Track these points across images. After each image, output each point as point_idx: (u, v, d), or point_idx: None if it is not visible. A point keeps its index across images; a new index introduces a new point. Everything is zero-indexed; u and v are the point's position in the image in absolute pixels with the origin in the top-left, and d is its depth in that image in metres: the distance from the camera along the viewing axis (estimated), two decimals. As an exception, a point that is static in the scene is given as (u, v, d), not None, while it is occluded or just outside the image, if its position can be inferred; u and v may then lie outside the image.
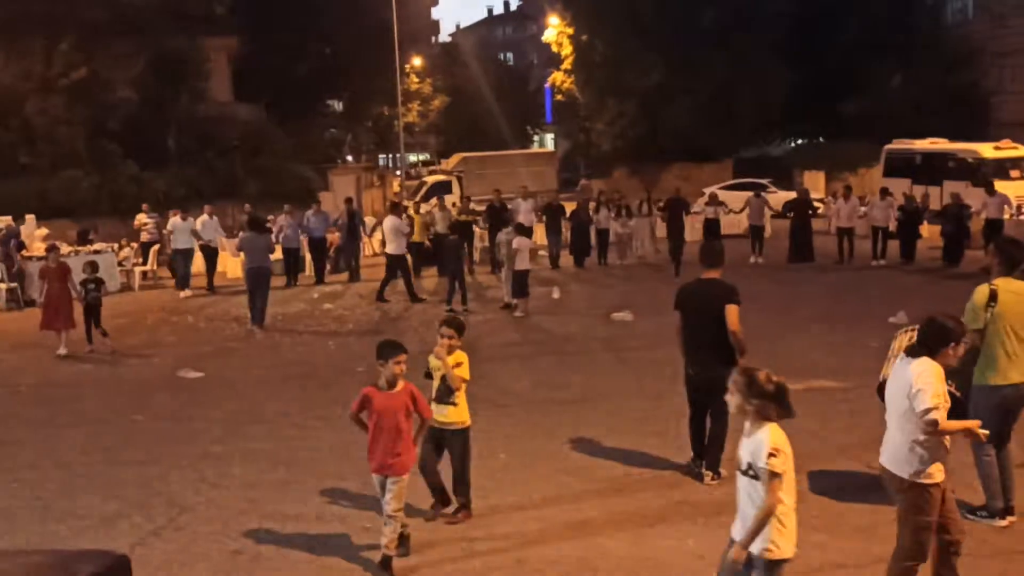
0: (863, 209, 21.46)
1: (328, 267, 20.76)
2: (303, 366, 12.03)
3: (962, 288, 6.59)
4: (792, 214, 20.98)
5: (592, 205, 22.04)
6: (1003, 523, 6.13)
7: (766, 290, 15.92)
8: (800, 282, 17.83)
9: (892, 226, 19.94)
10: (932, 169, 25.56)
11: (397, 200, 23.26)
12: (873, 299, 15.42)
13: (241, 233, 16.31)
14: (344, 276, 20.15)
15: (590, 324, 14.24)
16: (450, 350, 6.32)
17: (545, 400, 9.88)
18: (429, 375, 6.48)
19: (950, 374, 6.19)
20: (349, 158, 47.42)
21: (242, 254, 15.83)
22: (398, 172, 43.62)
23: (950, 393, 6.21)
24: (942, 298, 15.12)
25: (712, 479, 7.02)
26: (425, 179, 35.59)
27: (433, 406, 6.28)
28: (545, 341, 13.24)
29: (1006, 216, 19.18)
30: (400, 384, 5.79)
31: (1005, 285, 6.04)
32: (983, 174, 24.04)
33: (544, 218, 22.11)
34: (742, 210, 21.71)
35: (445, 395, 6.35)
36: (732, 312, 6.83)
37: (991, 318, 5.94)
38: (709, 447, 7.09)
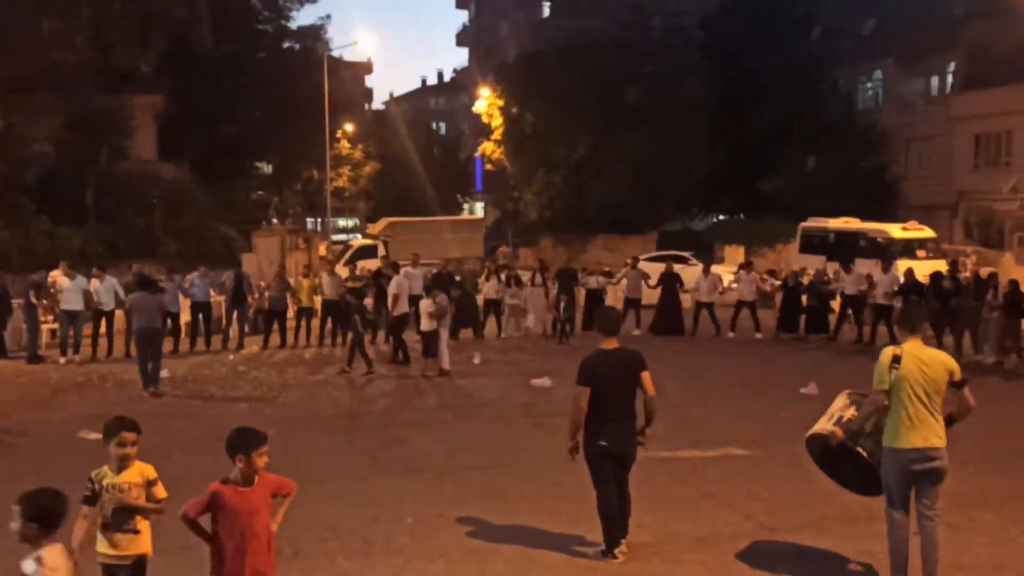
0: (729, 284, 21.77)
1: (247, 328, 20.34)
2: (210, 430, 11.64)
3: (860, 359, 6.72)
4: (661, 287, 20.77)
5: (484, 274, 21.58)
6: None
7: (664, 360, 16.09)
8: (692, 352, 17.98)
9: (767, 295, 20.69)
10: (844, 247, 26.40)
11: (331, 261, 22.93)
12: (781, 370, 15.74)
13: (130, 294, 15.24)
14: (260, 339, 19.65)
15: (509, 389, 14.18)
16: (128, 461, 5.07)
17: (460, 465, 9.72)
18: (90, 499, 5.04)
19: (863, 438, 6.34)
20: (275, 220, 46.98)
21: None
22: (354, 235, 43.35)
23: (863, 459, 6.34)
24: (845, 369, 15.62)
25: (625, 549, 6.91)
26: (351, 243, 35.43)
27: (101, 537, 5.03)
28: (464, 406, 13.12)
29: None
30: (256, 479, 4.92)
31: (910, 349, 6.13)
32: (890, 253, 24.99)
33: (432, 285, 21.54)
34: (618, 281, 21.57)
35: (124, 520, 5.03)
36: (649, 379, 6.84)
37: (895, 380, 6.05)
38: (624, 520, 6.96)
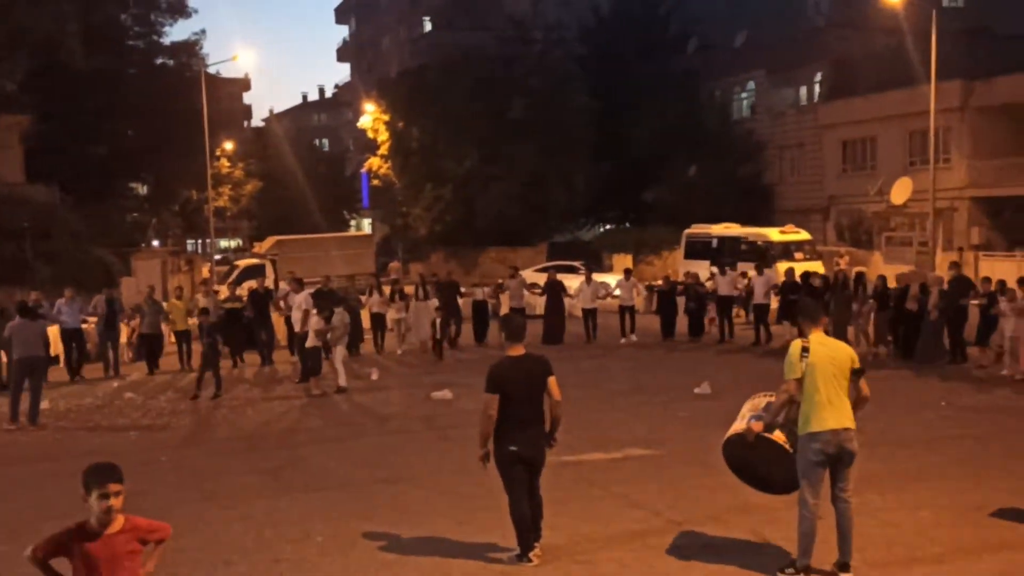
0: (616, 291, 22.35)
1: (130, 354, 19.57)
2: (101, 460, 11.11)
3: (746, 357, 6.96)
4: (547, 297, 21.08)
5: (368, 289, 21.39)
6: None
7: (560, 366, 16.36)
8: (586, 358, 18.24)
9: (639, 304, 21.36)
10: (727, 252, 27.39)
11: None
12: (673, 373, 16.16)
13: (10, 322, 14.50)
14: (141, 365, 18.87)
15: (410, 403, 14.08)
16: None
17: (366, 481, 9.58)
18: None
19: (777, 429, 6.58)
20: (155, 242, 45.36)
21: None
22: (238, 256, 42.10)
23: (782, 449, 6.58)
24: (728, 367, 16.19)
25: (538, 552, 6.95)
26: (237, 263, 34.50)
27: None
28: (366, 422, 12.95)
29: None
30: (118, 522, 4.26)
31: (816, 338, 6.48)
32: (771, 256, 26.07)
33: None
34: (503, 291, 21.81)
35: None
36: (555, 384, 6.92)
37: (807, 368, 6.33)
38: (536, 524, 7.00)
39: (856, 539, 6.60)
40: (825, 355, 6.36)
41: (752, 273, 20.59)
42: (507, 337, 7.14)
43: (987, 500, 8.20)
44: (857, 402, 6.48)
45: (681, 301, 21.93)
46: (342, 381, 15.14)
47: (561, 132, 36.69)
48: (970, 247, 30.41)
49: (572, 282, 23.18)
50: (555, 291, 20.98)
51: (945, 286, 16.46)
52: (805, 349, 6.38)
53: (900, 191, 30.85)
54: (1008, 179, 30.25)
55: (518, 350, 6.99)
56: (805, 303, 7.22)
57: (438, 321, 18.98)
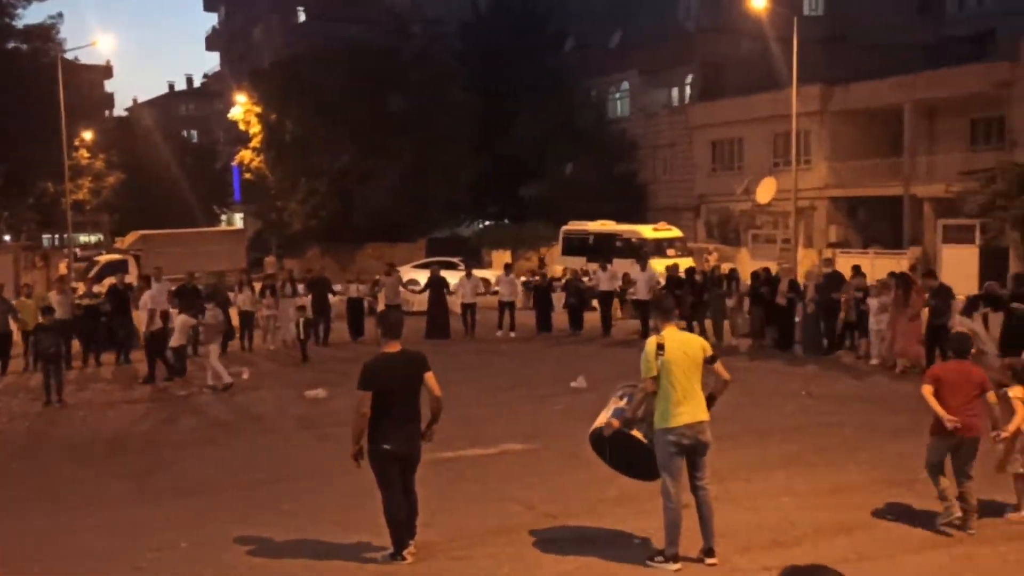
0: (496, 287, 22.61)
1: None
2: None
3: (626, 351, 7.11)
4: (429, 293, 21.10)
5: (237, 286, 20.76)
6: (675, 567, 6.55)
7: (439, 362, 16.34)
8: (464, 353, 18.27)
9: (519, 301, 21.69)
10: (603, 248, 27.92)
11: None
12: (551, 367, 16.36)
13: None
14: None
15: (283, 403, 13.74)
16: None
17: (237, 484, 9.28)
18: None
19: (637, 424, 6.73)
20: (7, 237, 42.76)
21: None
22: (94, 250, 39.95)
23: (640, 443, 6.73)
24: (604, 361, 16.52)
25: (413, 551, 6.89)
26: (97, 259, 32.88)
27: None
28: (236, 423, 12.55)
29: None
30: None
31: (669, 335, 6.66)
32: (643, 253, 26.74)
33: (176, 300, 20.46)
34: (380, 288, 21.67)
35: None
36: (433, 379, 6.87)
37: (663, 366, 6.47)
38: (411, 522, 6.93)
39: (722, 526, 6.83)
40: (679, 351, 6.54)
41: (635, 269, 21.17)
42: (383, 333, 7.07)
43: (842, 484, 8.64)
44: (717, 389, 6.72)
45: (556, 297, 22.33)
46: (225, 378, 14.66)
47: (440, 127, 36.55)
48: (828, 244, 32.00)
49: (451, 278, 23.18)
50: (438, 287, 20.99)
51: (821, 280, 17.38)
52: (660, 347, 6.54)
53: (765, 190, 32.14)
54: (863, 180, 31.96)
55: (394, 346, 6.92)
56: (661, 299, 7.40)
57: (301, 321, 18.35)
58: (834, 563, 2.93)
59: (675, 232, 29.46)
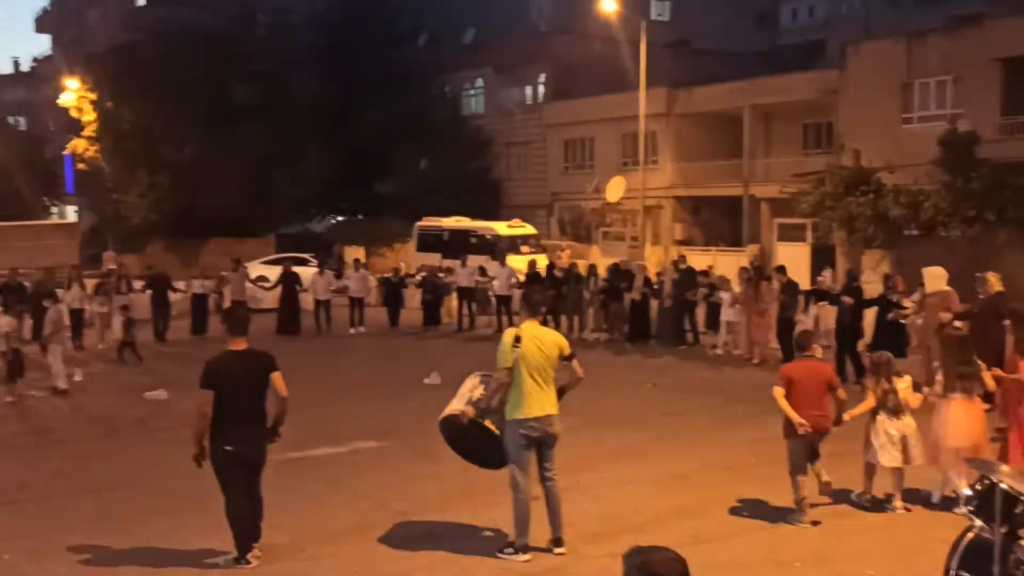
0: (343, 283, 22.36)
1: None
2: None
3: (480, 346, 7.14)
4: (281, 289, 20.68)
5: (67, 283, 19.38)
6: (525, 558, 6.63)
7: (290, 360, 16.00)
8: (317, 351, 18.03)
9: (370, 297, 21.73)
10: (458, 245, 27.96)
11: None
12: (405, 363, 16.28)
13: None
14: None
15: (121, 405, 13.06)
16: None
17: (68, 491, 8.75)
18: None
19: (490, 414, 6.76)
20: None
21: None
22: None
23: (491, 433, 6.77)
24: (460, 356, 16.57)
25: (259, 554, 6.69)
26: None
27: None
28: (68, 427, 11.84)
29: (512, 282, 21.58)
30: None
31: (528, 329, 6.74)
32: (500, 250, 26.95)
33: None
34: (226, 284, 21.05)
35: None
36: (280, 379, 6.68)
37: (517, 358, 6.54)
38: (255, 524, 6.72)
39: (570, 515, 6.97)
40: (534, 346, 6.62)
41: (494, 265, 21.36)
42: (229, 330, 6.87)
43: (684, 471, 8.99)
44: (569, 383, 6.86)
45: (409, 293, 22.24)
46: (60, 383, 13.77)
47: (290, 120, 35.64)
48: (674, 242, 33.22)
49: (303, 274, 22.67)
50: (290, 283, 20.57)
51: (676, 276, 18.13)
52: (518, 339, 6.62)
53: (614, 189, 33.01)
54: (706, 180, 33.33)
55: (240, 344, 6.72)
56: (530, 294, 7.47)
57: (123, 321, 17.17)
58: (674, 546, 3.03)
59: (529, 229, 29.85)
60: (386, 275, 22.53)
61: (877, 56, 27.98)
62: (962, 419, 7.52)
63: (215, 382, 6.47)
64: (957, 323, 10.06)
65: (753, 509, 7.76)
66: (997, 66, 25.19)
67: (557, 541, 6.75)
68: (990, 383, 7.81)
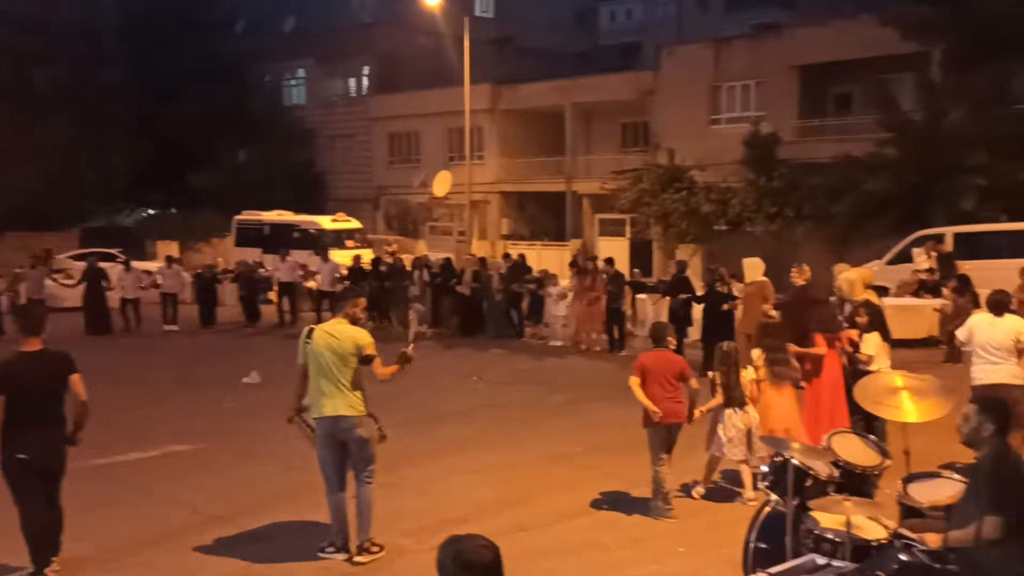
0: (155, 278, 21.39)
1: None
2: None
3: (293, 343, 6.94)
4: (86, 286, 19.61)
5: None
6: (343, 556, 6.50)
7: (95, 361, 15.15)
8: (127, 350, 17.23)
9: (185, 294, 21.02)
10: (279, 239, 27.17)
11: None
12: (222, 362, 15.70)
13: None
14: None
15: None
16: None
17: None
18: None
19: (307, 412, 6.61)
20: None
21: None
22: None
23: (307, 429, 6.62)
24: (281, 354, 16.14)
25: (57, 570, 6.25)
26: None
27: None
28: None
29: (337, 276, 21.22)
30: None
31: (325, 326, 6.55)
32: (323, 244, 26.43)
33: None
34: (23, 282, 19.72)
35: None
36: (79, 382, 6.26)
37: (308, 354, 6.43)
38: (54, 537, 6.28)
39: (392, 511, 6.94)
40: (325, 343, 6.39)
41: (316, 260, 20.89)
42: (22, 330, 6.36)
43: (507, 462, 9.13)
44: (381, 377, 6.54)
45: (225, 289, 21.45)
46: None
47: (95, 108, 33.53)
48: (501, 236, 33.70)
49: (110, 271, 21.37)
50: (95, 280, 19.43)
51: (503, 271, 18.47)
52: (309, 334, 6.48)
53: (441, 184, 33.07)
54: (531, 176, 34.00)
55: (34, 344, 6.25)
56: (343, 293, 7.39)
57: None
58: (495, 535, 3.08)
59: (354, 223, 29.41)
60: (198, 271, 21.59)
61: (688, 60, 29.42)
62: (775, 404, 7.88)
63: (6, 386, 6.00)
64: (772, 312, 10.74)
65: (575, 496, 7.98)
66: (795, 72, 27.07)
67: (359, 548, 6.47)
68: (796, 366, 8.24)
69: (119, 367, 14.65)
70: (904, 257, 19.10)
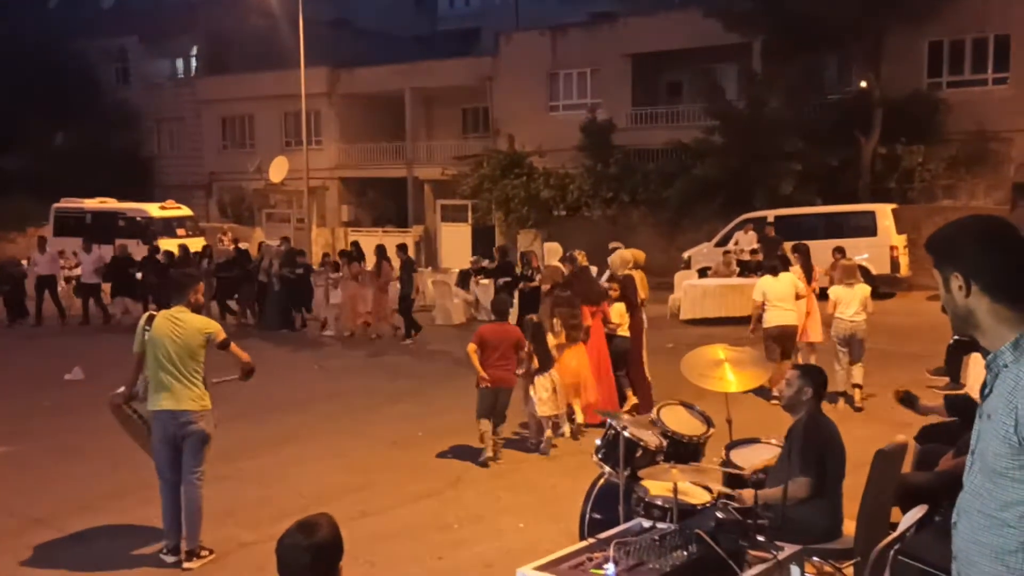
0: None
1: None
2: None
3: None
4: None
5: None
6: (173, 559, 6.22)
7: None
8: None
9: None
10: (103, 228, 25.72)
11: None
12: (37, 358, 14.79)
13: None
14: None
15: None
16: None
17: None
18: None
19: (137, 401, 6.27)
20: None
21: None
22: None
23: (139, 422, 6.30)
24: (107, 349, 15.32)
25: None
26: None
27: None
28: None
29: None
30: None
31: (168, 312, 6.17)
32: (152, 232, 25.20)
33: None
34: None
35: None
36: None
37: (147, 343, 6.09)
38: None
39: (230, 503, 6.75)
40: (168, 332, 6.05)
41: (78, 251, 19.86)
42: None
43: (347, 448, 9.04)
44: (242, 370, 6.32)
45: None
46: None
47: None
48: (341, 223, 33.13)
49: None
50: None
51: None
52: (149, 322, 6.16)
53: (277, 170, 32.14)
54: (371, 162, 33.55)
55: None
56: (175, 277, 7.07)
57: None
58: (341, 521, 3.01)
59: (185, 211, 28.18)
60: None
61: (526, 46, 29.81)
62: (571, 360, 9.21)
63: None
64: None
65: (420, 479, 7.99)
66: (628, 61, 27.93)
67: (187, 555, 6.13)
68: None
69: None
70: (728, 239, 20.13)
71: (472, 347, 8.40)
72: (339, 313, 16.86)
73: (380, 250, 16.59)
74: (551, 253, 14.48)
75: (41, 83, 34.28)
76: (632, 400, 9.82)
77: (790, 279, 10.52)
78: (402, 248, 16.56)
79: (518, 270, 15.26)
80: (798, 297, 10.49)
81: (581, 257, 10.91)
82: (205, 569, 6.13)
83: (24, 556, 6.38)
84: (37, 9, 38.05)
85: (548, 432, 8.79)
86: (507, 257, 15.84)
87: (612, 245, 12.49)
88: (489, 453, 8.37)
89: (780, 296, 10.26)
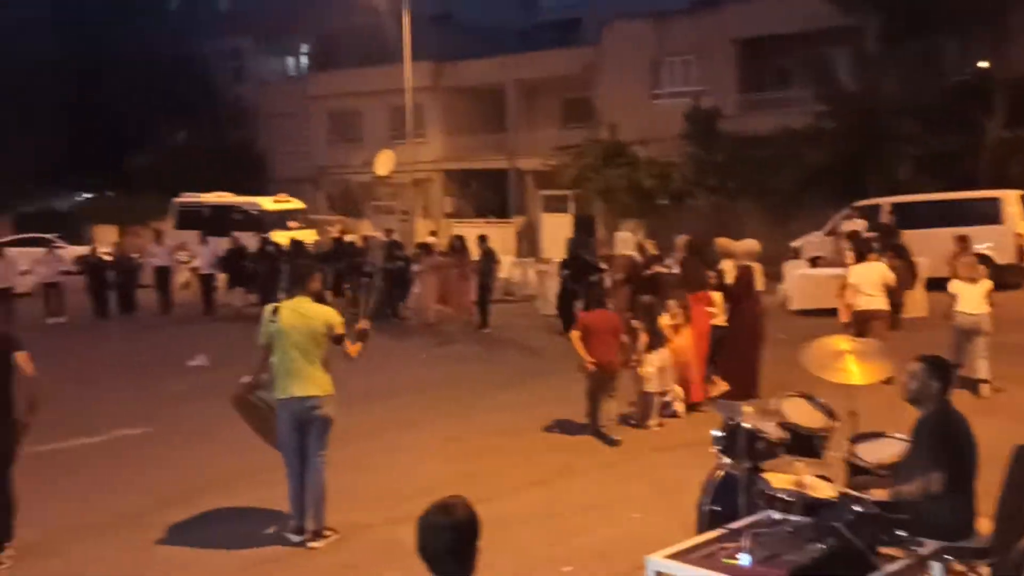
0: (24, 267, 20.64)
1: None
2: None
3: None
4: None
5: None
6: (299, 538, 6.44)
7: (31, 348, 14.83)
8: (71, 337, 16.92)
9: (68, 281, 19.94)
10: (221, 221, 26.68)
11: None
12: (160, 347, 15.53)
13: None
14: None
15: None
16: None
17: None
18: None
19: (264, 390, 6.50)
20: None
21: None
22: None
23: (264, 409, 6.55)
24: (228, 337, 15.96)
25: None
26: None
27: None
28: None
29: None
30: None
31: (292, 304, 6.36)
32: (266, 225, 26.05)
33: None
34: None
35: None
36: (25, 360, 6.11)
37: (274, 333, 6.28)
38: (6, 523, 6.17)
39: (343, 489, 6.87)
40: (294, 322, 6.22)
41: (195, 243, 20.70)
42: None
43: (452, 436, 9.17)
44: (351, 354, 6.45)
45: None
46: None
47: (25, 87, 32.45)
48: (444, 215, 33.57)
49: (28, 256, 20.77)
50: None
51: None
52: (275, 312, 6.31)
53: (383, 163, 32.76)
54: (474, 154, 33.87)
55: None
56: (295, 268, 7.31)
57: None
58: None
59: (296, 204, 29.04)
60: (82, 255, 20.61)
61: (629, 35, 29.52)
62: (681, 340, 9.60)
63: None
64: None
65: (530, 467, 8.07)
66: (735, 46, 27.35)
67: (313, 535, 6.37)
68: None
69: (52, 353, 14.32)
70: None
71: (576, 334, 8.88)
72: (418, 303, 17.23)
73: (458, 240, 16.94)
74: (622, 243, 14.44)
75: (164, 84, 35.83)
76: (722, 387, 9.90)
77: (879, 267, 10.84)
78: (482, 239, 16.69)
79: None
80: (887, 286, 10.76)
81: (651, 246, 11.46)
82: (330, 548, 6.36)
83: (159, 535, 6.71)
84: (159, 12, 39.76)
85: (655, 412, 9.21)
86: (577, 250, 15.59)
87: (679, 239, 12.35)
88: (608, 432, 8.74)
89: (868, 282, 10.54)
